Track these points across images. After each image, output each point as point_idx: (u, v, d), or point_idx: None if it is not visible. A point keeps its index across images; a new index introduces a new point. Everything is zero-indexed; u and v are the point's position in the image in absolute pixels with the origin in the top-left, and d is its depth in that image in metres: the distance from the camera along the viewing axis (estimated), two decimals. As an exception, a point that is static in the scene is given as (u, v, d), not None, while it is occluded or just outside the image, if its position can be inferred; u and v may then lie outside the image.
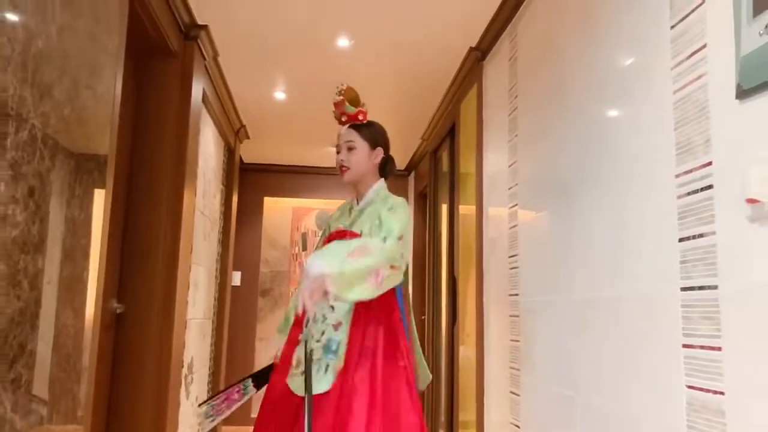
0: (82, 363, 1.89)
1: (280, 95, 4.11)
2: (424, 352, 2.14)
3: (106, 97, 1.98)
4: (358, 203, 2.14)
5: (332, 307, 1.90)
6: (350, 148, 2.10)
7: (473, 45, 3.24)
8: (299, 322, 1.92)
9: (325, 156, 5.52)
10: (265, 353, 5.70)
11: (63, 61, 1.62)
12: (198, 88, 3.17)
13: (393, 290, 1.93)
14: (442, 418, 4.43)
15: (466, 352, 3.48)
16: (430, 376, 2.11)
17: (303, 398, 1.81)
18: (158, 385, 2.84)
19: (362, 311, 1.90)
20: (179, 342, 3.06)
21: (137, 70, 2.86)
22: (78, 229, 1.83)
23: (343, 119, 2.14)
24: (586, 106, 1.99)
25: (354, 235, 1.98)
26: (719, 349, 1.26)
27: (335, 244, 1.89)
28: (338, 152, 2.13)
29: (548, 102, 2.33)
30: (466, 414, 3.44)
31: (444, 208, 4.58)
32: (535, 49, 2.53)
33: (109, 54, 2.00)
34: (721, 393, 1.25)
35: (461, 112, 3.70)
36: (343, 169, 2.09)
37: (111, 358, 2.70)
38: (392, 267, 1.77)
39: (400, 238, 1.85)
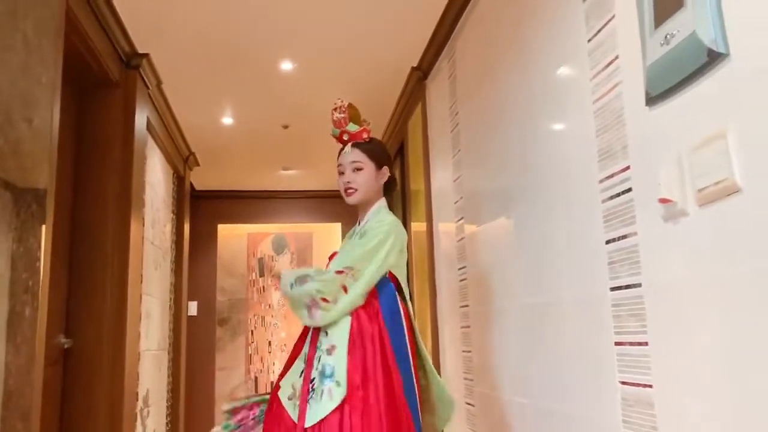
0: (26, 401, 1.85)
1: (227, 120, 4.11)
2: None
3: (43, 129, 1.97)
4: (359, 224, 2.04)
5: (326, 332, 1.81)
6: (357, 169, 1.98)
7: (415, 65, 3.31)
8: (302, 339, 1.90)
9: (278, 179, 5.53)
10: (227, 381, 5.62)
11: (-7, 93, 1.61)
12: (142, 116, 3.16)
13: (379, 312, 1.84)
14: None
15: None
16: (451, 414, 1.97)
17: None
18: (111, 420, 2.78)
19: (357, 336, 1.79)
20: (132, 374, 3.00)
21: (78, 100, 2.84)
22: (17, 263, 1.79)
23: (345, 138, 2.01)
24: (520, 120, 2.06)
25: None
26: (646, 344, 1.32)
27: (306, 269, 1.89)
28: (341, 173, 2.00)
29: (486, 117, 2.41)
30: None
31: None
32: (471, 67, 2.61)
33: (44, 86, 1.98)
34: (650, 386, 1.30)
35: (409, 131, 3.77)
36: (350, 191, 1.98)
37: (59, 395, 2.63)
38: (323, 299, 1.77)
39: (350, 269, 1.82)
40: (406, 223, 4.07)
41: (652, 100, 1.28)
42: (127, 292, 2.87)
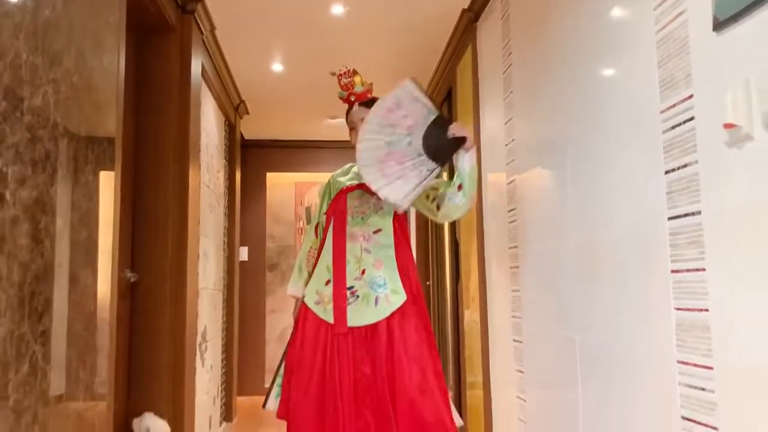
0: (101, 328, 1.98)
1: (277, 67, 4.16)
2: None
3: (111, 68, 2.05)
4: None
5: (368, 251, 2.15)
6: None
7: (466, 6, 3.28)
8: (340, 274, 2.15)
9: (325, 128, 5.58)
10: (277, 323, 5.83)
11: (69, 30, 1.68)
12: (197, 62, 3.23)
13: (408, 233, 2.25)
14: (451, 381, 4.54)
15: (471, 317, 3.58)
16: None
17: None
18: (174, 351, 2.94)
19: (400, 251, 2.17)
20: (192, 310, 3.15)
21: (137, 45, 2.92)
22: (93, 194, 1.91)
23: (352, 99, 2.33)
24: (577, 57, 2.05)
25: None
26: (703, 270, 1.34)
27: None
28: (353, 128, 2.30)
29: (540, 56, 2.39)
30: (473, 375, 3.54)
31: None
32: (526, 5, 2.58)
33: (112, 26, 2.06)
34: (706, 310, 1.33)
35: (458, 76, 3.75)
36: None
37: (128, 325, 2.80)
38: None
39: None
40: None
41: (720, 24, 1.26)
42: (187, 232, 3.00)
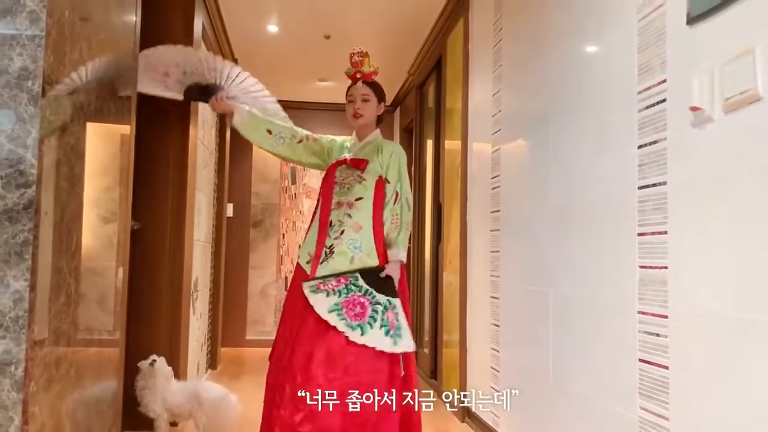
0: (115, 273, 2.14)
1: (273, 28, 4.25)
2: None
3: (129, 26, 2.17)
4: (359, 141, 2.60)
5: (349, 215, 2.40)
6: (366, 100, 2.52)
7: (460, -21, 3.41)
8: (323, 236, 2.44)
9: (314, 91, 5.68)
10: (259, 279, 6.02)
11: (99, -11, 1.80)
12: (198, 21, 3.32)
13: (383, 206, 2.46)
14: (426, 337, 4.78)
15: (449, 278, 3.80)
16: None
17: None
18: (172, 297, 3.11)
19: (377, 219, 2.42)
20: (189, 259, 3.31)
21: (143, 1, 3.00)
22: (110, 145, 2.04)
23: (358, 76, 2.54)
24: (564, 37, 2.22)
25: (363, 162, 2.49)
26: (665, 233, 1.55)
27: (395, 233, 2.45)
28: (351, 101, 2.54)
29: (530, 32, 2.56)
30: (449, 334, 3.77)
31: (429, 144, 4.80)
32: (519, -16, 2.73)
33: (129, -15, 2.16)
34: (665, 267, 1.55)
35: (448, 46, 3.89)
36: (358, 115, 2.52)
37: (129, 271, 2.95)
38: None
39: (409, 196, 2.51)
40: (439, 141, 4.26)
41: (692, 19, 1.45)
42: (186, 185, 3.14)
